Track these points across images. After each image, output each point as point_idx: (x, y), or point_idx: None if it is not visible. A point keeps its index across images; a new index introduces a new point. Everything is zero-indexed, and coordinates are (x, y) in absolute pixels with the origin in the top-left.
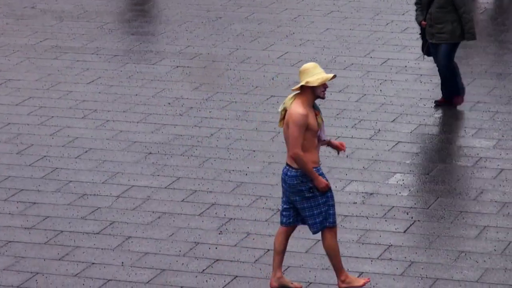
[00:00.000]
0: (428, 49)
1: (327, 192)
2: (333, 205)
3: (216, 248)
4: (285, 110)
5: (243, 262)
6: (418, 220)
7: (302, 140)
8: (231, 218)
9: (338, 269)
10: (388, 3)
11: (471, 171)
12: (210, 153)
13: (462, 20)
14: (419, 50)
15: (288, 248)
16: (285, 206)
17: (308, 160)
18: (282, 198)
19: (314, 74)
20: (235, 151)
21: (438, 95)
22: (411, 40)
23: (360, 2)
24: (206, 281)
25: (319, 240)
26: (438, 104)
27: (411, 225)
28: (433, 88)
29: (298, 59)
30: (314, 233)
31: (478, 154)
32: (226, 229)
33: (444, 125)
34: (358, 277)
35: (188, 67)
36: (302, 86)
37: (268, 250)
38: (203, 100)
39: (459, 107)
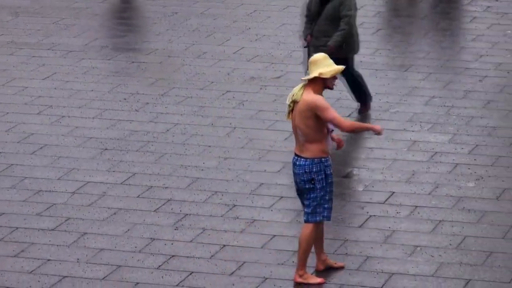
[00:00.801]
0: None
1: (326, 186)
2: (331, 200)
3: (172, 244)
4: (293, 102)
5: (198, 258)
6: (374, 215)
7: (337, 115)
8: (187, 214)
9: (302, 263)
10: None
11: (427, 166)
12: (166, 149)
13: (339, 31)
14: (374, 44)
15: (243, 243)
16: (297, 194)
17: (319, 149)
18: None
19: (326, 66)
20: (191, 147)
21: (394, 90)
22: (366, 35)
23: None
24: (162, 277)
25: (274, 236)
26: (362, 112)
27: (366, 220)
28: (388, 83)
29: (254, 54)
30: (306, 221)
31: (433, 148)
32: (182, 225)
33: (400, 120)
34: (312, 273)
35: (144, 62)
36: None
37: (224, 245)
38: (159, 96)
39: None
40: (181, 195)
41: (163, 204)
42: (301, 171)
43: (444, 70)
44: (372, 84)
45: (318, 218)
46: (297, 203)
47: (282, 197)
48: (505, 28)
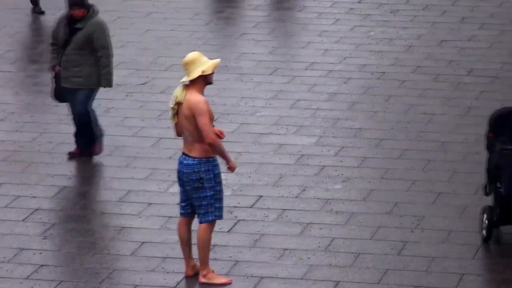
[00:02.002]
0: (60, 94)
1: (216, 186)
2: (222, 199)
3: (41, 253)
4: (177, 104)
5: (68, 267)
6: (242, 219)
7: (211, 125)
8: (55, 223)
9: (203, 262)
10: (206, 3)
11: (294, 169)
12: (33, 158)
13: (99, 64)
14: (239, 49)
15: (112, 251)
16: (182, 197)
17: (207, 149)
18: (180, 189)
19: (204, 62)
20: (58, 155)
21: (259, 93)
22: (231, 39)
23: (180, 2)
24: (32, 287)
25: (143, 243)
26: (72, 156)
27: (235, 224)
28: (254, 87)
29: (119, 61)
30: (200, 222)
31: (300, 151)
32: (51, 234)
33: (266, 124)
34: (182, 279)
35: (9, 72)
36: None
37: (94, 254)
38: (24, 105)
39: (98, 156)
40: (49, 204)
41: (31, 214)
42: (189, 171)
43: (309, 72)
44: (237, 88)
45: (210, 218)
46: (165, 210)
47: (150, 203)
48: (368, 29)
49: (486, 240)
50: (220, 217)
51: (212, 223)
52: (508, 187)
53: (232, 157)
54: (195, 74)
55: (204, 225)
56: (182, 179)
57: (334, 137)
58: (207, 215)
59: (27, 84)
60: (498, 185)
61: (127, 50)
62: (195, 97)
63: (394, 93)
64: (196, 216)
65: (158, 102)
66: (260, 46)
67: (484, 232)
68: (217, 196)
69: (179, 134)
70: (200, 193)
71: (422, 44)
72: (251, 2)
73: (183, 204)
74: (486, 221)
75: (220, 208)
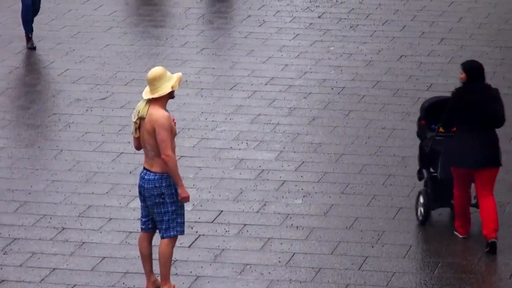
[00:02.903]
0: None
1: (177, 201)
2: (183, 214)
3: (1, 268)
4: (139, 118)
5: (29, 282)
6: (203, 234)
7: (171, 142)
8: (16, 238)
9: (165, 278)
10: (167, 18)
11: (254, 184)
12: None
13: None
14: (199, 64)
15: (73, 266)
16: (143, 212)
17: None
18: (141, 204)
19: (170, 77)
20: (18, 170)
21: (219, 108)
22: (191, 55)
23: (139, 17)
24: None
25: (104, 258)
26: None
27: (196, 239)
28: (214, 102)
29: (79, 76)
30: (161, 238)
31: (260, 166)
32: (11, 249)
33: (226, 139)
34: None
35: None
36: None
37: (54, 269)
38: None
39: None
40: (9, 219)
41: None
42: (150, 186)
43: (269, 87)
44: (197, 103)
45: (172, 233)
46: (126, 225)
47: (111, 218)
48: (328, 44)
49: (423, 222)
50: (182, 232)
51: (174, 238)
52: (443, 172)
53: (192, 172)
54: (165, 90)
55: (166, 240)
56: (143, 194)
57: (294, 152)
58: (169, 230)
59: None
60: (431, 170)
61: (87, 65)
62: (158, 112)
63: (354, 108)
64: (157, 231)
65: (118, 117)
66: (220, 61)
67: (420, 215)
68: (179, 211)
69: (138, 148)
70: (162, 208)
71: (382, 59)
72: (209, 18)
73: (144, 220)
74: (423, 205)
75: (182, 224)
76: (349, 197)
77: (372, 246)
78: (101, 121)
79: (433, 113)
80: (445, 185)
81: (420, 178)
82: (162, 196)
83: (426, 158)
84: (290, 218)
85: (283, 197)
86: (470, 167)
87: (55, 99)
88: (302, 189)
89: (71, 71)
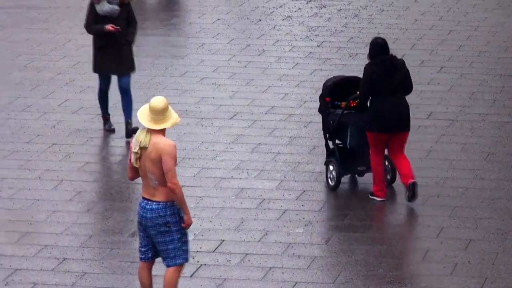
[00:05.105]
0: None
1: (182, 228)
2: (187, 242)
3: None
4: (141, 148)
5: None
6: (205, 264)
7: (175, 169)
8: (17, 269)
9: None
10: (167, 48)
11: (255, 213)
12: None
13: None
14: (199, 93)
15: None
16: (143, 241)
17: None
18: (139, 234)
19: (172, 110)
20: (19, 201)
21: (220, 138)
22: (191, 84)
23: (139, 47)
24: None
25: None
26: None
27: (197, 269)
28: (214, 131)
29: (79, 106)
30: (167, 266)
31: (261, 195)
32: (12, 280)
33: (227, 168)
34: None
35: None
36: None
37: None
38: None
39: None
40: (10, 250)
41: None
42: (154, 215)
43: (269, 117)
44: (198, 133)
45: (178, 261)
46: (128, 256)
47: (112, 249)
48: (327, 73)
49: (334, 189)
50: (187, 260)
51: (180, 266)
52: (351, 142)
53: (193, 201)
54: (174, 119)
55: (172, 269)
56: (145, 224)
57: (295, 181)
58: (175, 258)
59: None
60: (337, 141)
61: (87, 95)
62: (164, 141)
63: None
64: (162, 261)
65: (118, 147)
66: (220, 91)
67: (331, 182)
68: (184, 239)
69: (133, 178)
70: (167, 237)
71: None
72: (210, 47)
73: (143, 249)
74: (334, 172)
75: (187, 251)
76: (350, 226)
77: (374, 275)
78: (102, 151)
79: (336, 91)
80: (352, 154)
81: (327, 150)
82: (168, 225)
83: (333, 132)
84: (292, 247)
85: (284, 226)
86: (388, 131)
87: (55, 129)
88: (304, 218)
89: (71, 101)
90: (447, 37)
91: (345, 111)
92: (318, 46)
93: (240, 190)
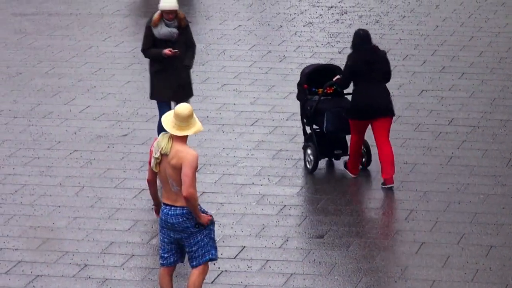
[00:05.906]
0: None
1: (210, 225)
2: (215, 240)
3: None
4: (161, 155)
5: None
6: (226, 270)
7: (195, 179)
8: (38, 275)
9: None
10: None
11: (276, 219)
12: (15, 210)
13: None
14: (220, 100)
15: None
16: (164, 247)
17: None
18: (161, 240)
19: (196, 118)
20: (40, 207)
21: (241, 144)
22: (212, 91)
23: None
24: None
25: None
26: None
27: (218, 275)
28: (235, 138)
29: (100, 113)
30: (194, 267)
31: (282, 202)
32: (33, 286)
33: (248, 175)
34: None
35: None
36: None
37: None
38: (5, 157)
39: None
40: (31, 256)
41: (14, 266)
42: (180, 220)
43: (290, 123)
44: (219, 139)
45: (208, 257)
46: (148, 261)
47: (133, 255)
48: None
49: (312, 172)
50: (216, 257)
51: (206, 266)
52: (327, 127)
53: (214, 208)
54: (199, 127)
55: (197, 272)
56: (172, 230)
57: (315, 187)
58: (204, 255)
59: (8, 136)
60: (315, 126)
61: (108, 101)
62: (187, 150)
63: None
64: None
65: (139, 153)
66: (241, 97)
67: (309, 165)
68: (211, 235)
69: (152, 181)
70: (198, 236)
71: (403, 94)
72: (231, 53)
73: (165, 255)
74: (311, 156)
75: (216, 248)
76: (371, 232)
77: (395, 281)
78: (123, 158)
79: (313, 78)
80: (328, 139)
81: (305, 135)
82: (197, 226)
83: (311, 117)
84: (313, 253)
85: (305, 232)
86: (369, 118)
87: (76, 135)
88: (325, 224)
89: (92, 108)
90: (468, 43)
91: (322, 98)
92: (339, 52)
93: (261, 196)
